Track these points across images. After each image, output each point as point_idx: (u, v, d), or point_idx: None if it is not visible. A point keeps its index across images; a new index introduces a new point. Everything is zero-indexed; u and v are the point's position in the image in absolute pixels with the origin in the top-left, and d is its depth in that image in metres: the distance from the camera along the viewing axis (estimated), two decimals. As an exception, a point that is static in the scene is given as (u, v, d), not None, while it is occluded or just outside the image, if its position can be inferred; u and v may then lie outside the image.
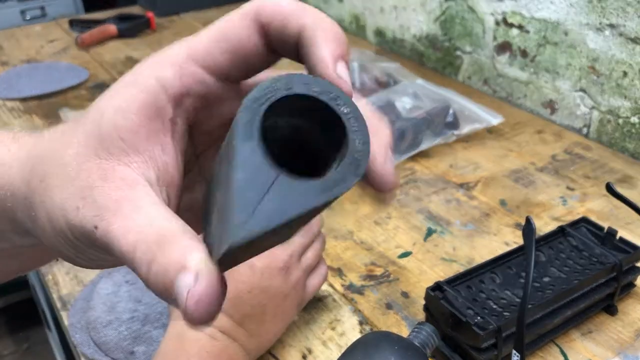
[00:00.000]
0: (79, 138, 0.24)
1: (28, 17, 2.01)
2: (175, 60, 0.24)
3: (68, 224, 0.23)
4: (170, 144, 0.24)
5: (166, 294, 0.21)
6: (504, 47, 1.03)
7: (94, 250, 0.24)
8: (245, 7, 0.24)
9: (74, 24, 1.46)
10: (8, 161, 0.26)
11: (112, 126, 0.23)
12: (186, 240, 0.21)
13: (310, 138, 0.21)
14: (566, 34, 0.92)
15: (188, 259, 0.21)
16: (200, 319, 0.20)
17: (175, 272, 0.21)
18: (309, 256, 0.55)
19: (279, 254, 0.51)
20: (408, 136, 0.86)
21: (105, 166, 0.23)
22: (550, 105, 0.98)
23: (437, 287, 0.54)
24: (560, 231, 0.62)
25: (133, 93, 0.23)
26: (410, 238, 0.71)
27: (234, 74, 0.24)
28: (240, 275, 0.49)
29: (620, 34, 0.84)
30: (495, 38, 1.04)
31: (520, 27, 0.99)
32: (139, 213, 0.22)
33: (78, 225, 0.23)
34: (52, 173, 0.24)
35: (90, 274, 0.66)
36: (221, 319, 0.48)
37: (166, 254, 0.21)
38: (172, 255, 0.21)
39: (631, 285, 0.61)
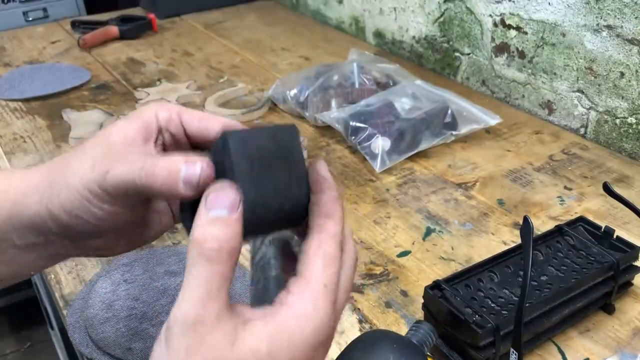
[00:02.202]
0: (88, 149, 0.37)
1: (30, 18, 2.02)
2: (170, 108, 0.39)
3: (82, 180, 0.35)
4: (154, 148, 0.38)
5: (170, 177, 0.33)
6: (502, 49, 1.04)
7: (100, 201, 0.36)
8: (221, 119, 0.40)
9: (76, 25, 1.46)
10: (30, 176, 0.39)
11: (117, 139, 0.37)
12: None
13: None
14: (564, 35, 0.92)
15: (189, 158, 0.33)
16: (200, 181, 0.32)
17: (180, 163, 0.33)
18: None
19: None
20: (407, 136, 0.87)
21: (110, 157, 0.36)
22: (548, 105, 0.99)
23: (436, 285, 0.55)
24: (558, 230, 0.63)
25: (131, 122, 0.38)
26: (409, 237, 0.72)
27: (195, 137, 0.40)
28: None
29: (618, 35, 0.84)
30: (493, 39, 1.05)
31: (518, 28, 1.00)
32: (139, 160, 0.35)
33: (92, 178, 0.35)
34: (72, 159, 0.37)
35: (91, 274, 0.66)
36: None
37: (169, 157, 0.33)
38: (174, 157, 0.33)
39: (628, 284, 0.62)
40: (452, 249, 0.70)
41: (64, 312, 0.62)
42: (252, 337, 0.29)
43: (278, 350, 0.29)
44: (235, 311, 0.30)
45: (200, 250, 0.29)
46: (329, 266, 0.31)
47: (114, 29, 1.39)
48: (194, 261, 0.29)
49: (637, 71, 0.84)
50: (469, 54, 1.11)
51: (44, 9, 2.05)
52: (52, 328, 1.42)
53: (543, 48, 0.97)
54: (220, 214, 0.30)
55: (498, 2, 1.02)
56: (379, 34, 1.33)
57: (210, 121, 0.39)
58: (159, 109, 0.39)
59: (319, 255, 0.31)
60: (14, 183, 0.39)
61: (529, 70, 1.00)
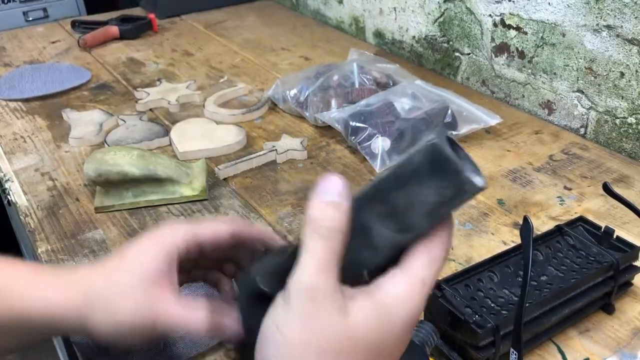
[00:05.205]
0: (126, 279, 0.45)
1: (30, 18, 2.02)
2: (184, 234, 0.47)
3: (133, 325, 0.44)
4: (176, 273, 0.47)
5: (215, 334, 0.45)
6: (502, 49, 1.04)
7: (141, 338, 0.45)
8: (229, 223, 0.49)
9: (76, 25, 1.46)
10: (62, 299, 0.44)
11: (149, 272, 0.44)
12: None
13: None
14: (564, 35, 0.92)
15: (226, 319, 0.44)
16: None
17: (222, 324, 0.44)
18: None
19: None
20: (407, 136, 0.87)
21: (149, 295, 0.44)
22: (548, 105, 0.99)
23: (436, 285, 0.55)
24: (558, 230, 0.63)
25: (157, 250, 0.46)
26: (409, 238, 0.72)
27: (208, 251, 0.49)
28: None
29: (618, 35, 0.84)
30: (493, 39, 1.05)
31: (518, 28, 1.00)
32: (178, 311, 0.44)
33: (139, 324, 0.44)
34: (115, 300, 0.44)
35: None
36: None
37: (218, 317, 0.44)
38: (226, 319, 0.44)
39: (628, 284, 0.62)
40: (452, 249, 0.70)
41: (65, 312, 0.62)
42: (360, 310, 0.33)
43: (384, 322, 0.33)
44: (341, 286, 0.34)
45: (315, 228, 0.33)
46: (431, 267, 0.34)
47: (114, 29, 1.39)
48: (310, 238, 0.33)
49: (636, 71, 0.84)
50: (469, 54, 1.11)
51: (44, 9, 2.05)
52: (52, 328, 1.42)
53: (543, 48, 0.97)
54: (333, 198, 0.33)
55: (498, 2, 1.02)
56: (379, 34, 1.33)
57: (221, 228, 0.48)
58: (176, 239, 0.46)
59: (426, 253, 0.34)
60: (50, 295, 0.44)
61: (529, 70, 1.00)
